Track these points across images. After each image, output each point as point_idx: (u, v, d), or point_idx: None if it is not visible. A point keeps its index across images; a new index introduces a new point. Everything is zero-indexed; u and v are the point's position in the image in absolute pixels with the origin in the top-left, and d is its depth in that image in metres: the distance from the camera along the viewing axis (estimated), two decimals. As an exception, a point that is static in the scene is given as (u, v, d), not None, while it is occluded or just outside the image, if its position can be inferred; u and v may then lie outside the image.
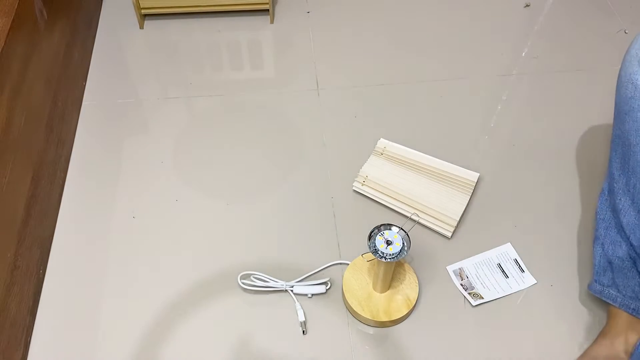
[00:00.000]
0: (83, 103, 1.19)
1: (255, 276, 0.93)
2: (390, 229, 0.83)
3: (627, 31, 1.32)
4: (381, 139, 1.11)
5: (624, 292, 0.82)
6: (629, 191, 0.81)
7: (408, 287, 0.91)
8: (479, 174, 1.06)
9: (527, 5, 1.39)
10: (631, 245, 0.81)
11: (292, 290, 0.92)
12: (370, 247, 0.82)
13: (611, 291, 0.84)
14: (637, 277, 0.80)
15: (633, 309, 0.82)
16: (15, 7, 0.92)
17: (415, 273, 0.93)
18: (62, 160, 1.08)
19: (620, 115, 0.82)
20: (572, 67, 1.26)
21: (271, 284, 0.92)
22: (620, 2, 1.39)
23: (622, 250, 0.82)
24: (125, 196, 1.05)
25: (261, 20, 1.35)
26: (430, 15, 1.38)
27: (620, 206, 0.82)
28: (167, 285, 0.94)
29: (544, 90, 1.22)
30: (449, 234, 0.99)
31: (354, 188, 1.05)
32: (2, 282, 0.81)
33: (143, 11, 1.31)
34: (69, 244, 0.99)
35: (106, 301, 0.93)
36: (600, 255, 0.86)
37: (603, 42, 1.31)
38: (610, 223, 0.85)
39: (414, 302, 0.90)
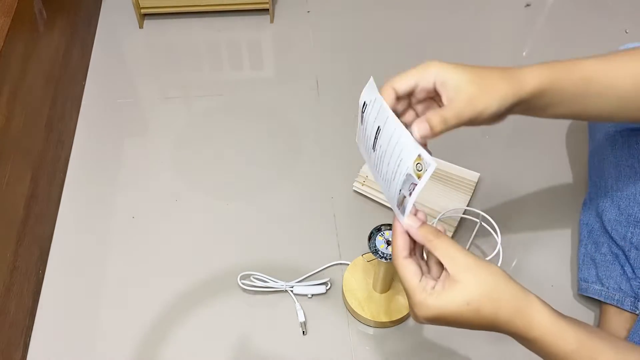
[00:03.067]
0: (83, 103, 1.19)
1: (255, 276, 0.93)
2: (390, 229, 0.83)
3: (627, 31, 1.32)
4: (381, 139, 1.11)
5: (607, 284, 0.86)
6: (608, 192, 0.88)
7: (408, 288, 0.91)
8: (479, 174, 1.05)
9: (528, 5, 1.39)
10: (613, 240, 0.86)
11: (292, 291, 0.92)
12: (370, 247, 0.82)
13: (595, 287, 0.88)
14: (619, 268, 0.85)
15: (617, 300, 0.85)
16: (15, 7, 0.92)
17: (416, 273, 0.92)
18: (61, 160, 1.07)
19: (593, 129, 0.98)
20: (572, 67, 1.26)
21: (271, 284, 0.92)
22: (620, 2, 1.39)
23: (604, 248, 0.88)
24: (125, 196, 1.05)
25: (261, 20, 1.34)
26: (430, 15, 1.38)
27: (602, 208, 0.89)
28: (167, 286, 0.94)
29: (544, 90, 1.22)
30: (449, 234, 0.99)
31: (354, 188, 1.05)
32: (1, 283, 0.81)
33: (143, 11, 1.31)
34: (68, 244, 0.99)
35: (106, 301, 0.93)
36: (584, 255, 0.91)
37: (603, 42, 1.31)
38: (593, 227, 0.91)
39: (414, 303, 0.89)
